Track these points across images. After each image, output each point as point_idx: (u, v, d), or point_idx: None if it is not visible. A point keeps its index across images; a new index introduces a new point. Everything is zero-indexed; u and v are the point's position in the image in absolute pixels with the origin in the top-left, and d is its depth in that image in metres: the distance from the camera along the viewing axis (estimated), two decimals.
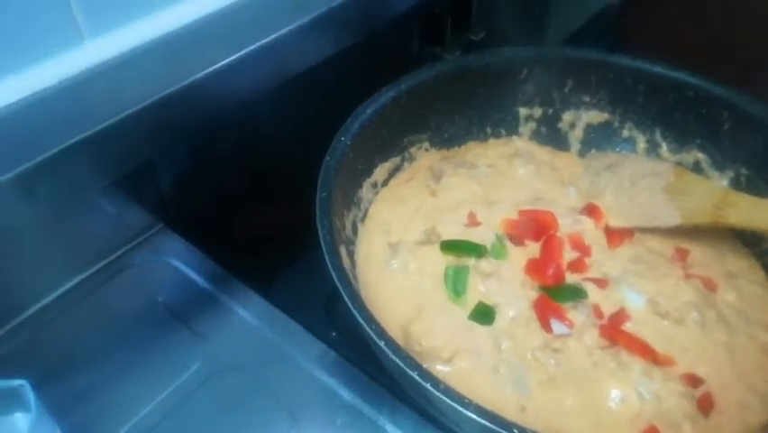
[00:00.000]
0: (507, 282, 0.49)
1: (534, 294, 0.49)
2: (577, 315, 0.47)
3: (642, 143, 0.61)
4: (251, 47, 0.58)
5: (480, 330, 0.46)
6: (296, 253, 0.62)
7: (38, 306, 0.51)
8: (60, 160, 0.48)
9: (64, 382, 0.42)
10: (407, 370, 0.35)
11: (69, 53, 0.51)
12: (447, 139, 0.62)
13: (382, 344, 0.37)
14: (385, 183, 0.58)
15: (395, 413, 0.45)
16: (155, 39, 0.56)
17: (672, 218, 0.53)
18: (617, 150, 0.62)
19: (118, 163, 0.52)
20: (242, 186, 0.63)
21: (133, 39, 0.54)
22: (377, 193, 0.57)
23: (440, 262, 0.51)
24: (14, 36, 0.48)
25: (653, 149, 0.61)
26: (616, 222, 0.55)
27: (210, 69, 0.56)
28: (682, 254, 0.53)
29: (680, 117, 0.59)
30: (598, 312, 0.48)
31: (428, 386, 0.35)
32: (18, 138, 0.48)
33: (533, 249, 0.52)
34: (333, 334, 0.54)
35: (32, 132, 0.48)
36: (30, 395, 0.38)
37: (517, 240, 0.53)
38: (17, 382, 0.39)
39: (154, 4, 0.55)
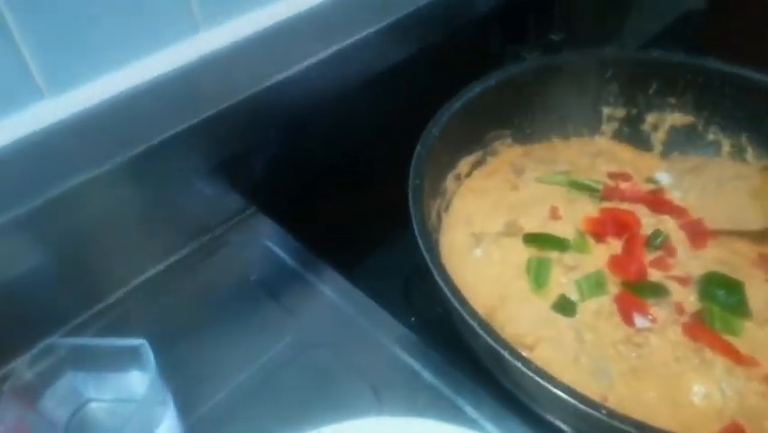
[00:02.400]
0: None
1: (616, 290, 0.50)
2: (659, 311, 0.48)
3: (727, 147, 0.61)
4: (342, 44, 0.62)
5: (562, 321, 0.48)
6: (376, 240, 0.65)
7: (144, 277, 0.56)
8: (169, 145, 0.52)
9: (167, 347, 0.44)
10: (500, 349, 0.37)
11: (185, 42, 0.55)
12: (529, 135, 0.64)
13: (475, 324, 0.39)
14: (468, 175, 0.60)
15: (474, 397, 0.47)
16: (257, 32, 0.60)
17: (757, 222, 0.53)
18: (701, 153, 0.62)
19: (220, 150, 0.56)
20: (328, 175, 0.66)
21: (241, 31, 0.58)
22: (460, 185, 0.59)
23: (522, 253, 0.52)
24: (136, 25, 0.52)
25: (738, 153, 0.61)
26: None
27: (303, 64, 0.59)
28: (766, 260, 0.53)
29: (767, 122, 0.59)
30: (680, 309, 0.48)
31: (520, 366, 0.36)
32: (133, 122, 0.52)
33: (614, 246, 0.53)
34: (412, 319, 0.56)
35: (146, 117, 0.53)
36: (149, 355, 0.42)
37: (598, 237, 0.54)
38: (138, 342, 0.43)
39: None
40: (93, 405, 0.45)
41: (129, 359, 0.44)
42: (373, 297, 0.54)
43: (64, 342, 0.43)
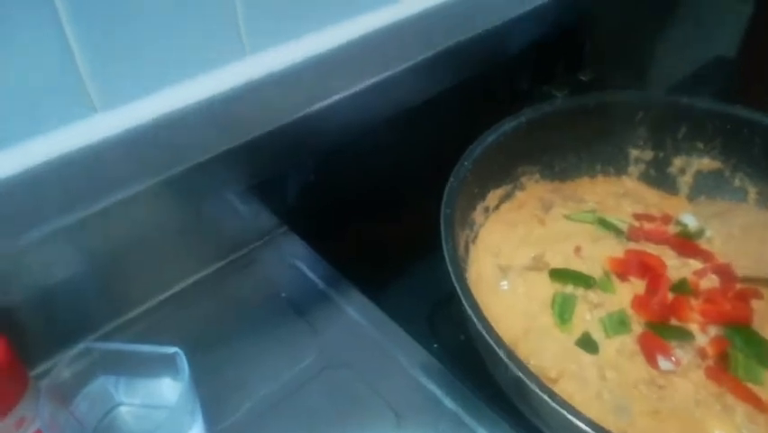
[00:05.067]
0: None
1: (639, 329, 0.50)
2: (683, 354, 0.48)
3: (753, 195, 0.62)
4: (379, 77, 0.64)
5: (586, 357, 0.48)
6: (403, 266, 0.66)
7: (177, 288, 0.58)
8: (210, 164, 0.54)
9: (195, 357, 0.45)
10: (526, 380, 0.38)
11: (231, 66, 0.57)
12: (557, 172, 0.65)
13: (501, 353, 0.40)
14: (496, 208, 0.61)
15: (495, 426, 0.47)
16: (300, 61, 0.62)
17: None
18: (728, 198, 0.63)
19: (257, 171, 0.59)
20: (360, 201, 0.67)
21: (285, 58, 0.60)
22: (488, 217, 0.60)
23: (548, 287, 0.53)
24: (186, 47, 0.54)
25: (764, 201, 0.61)
26: None
27: (342, 95, 0.62)
28: None
29: None
30: (703, 353, 0.49)
31: (546, 398, 0.37)
32: (177, 141, 0.54)
33: (638, 286, 0.54)
34: (435, 346, 0.57)
35: (190, 136, 0.55)
36: (184, 363, 0.43)
37: (622, 277, 0.55)
38: (172, 349, 0.44)
39: (307, 27, 0.61)
40: (123, 409, 0.47)
41: (161, 366, 0.45)
42: (398, 321, 0.55)
43: (101, 346, 0.45)
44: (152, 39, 0.53)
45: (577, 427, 0.36)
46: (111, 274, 0.53)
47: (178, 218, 0.55)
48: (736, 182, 0.63)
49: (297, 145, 0.60)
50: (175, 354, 0.44)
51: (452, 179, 0.53)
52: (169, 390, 0.46)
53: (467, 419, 0.48)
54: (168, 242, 0.55)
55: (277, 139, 0.58)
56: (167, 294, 0.57)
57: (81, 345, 0.44)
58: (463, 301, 0.43)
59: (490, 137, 0.58)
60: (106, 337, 0.53)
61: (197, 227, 0.57)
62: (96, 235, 0.50)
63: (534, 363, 0.47)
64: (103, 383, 0.46)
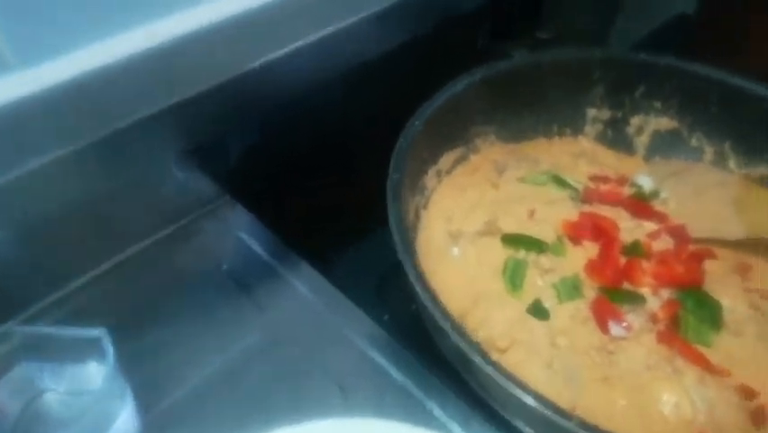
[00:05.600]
0: None
1: (592, 294, 0.49)
2: (634, 318, 0.47)
3: (709, 154, 0.61)
4: (326, 31, 0.60)
5: (537, 324, 0.47)
6: (353, 234, 0.64)
7: (110, 263, 0.54)
8: (143, 126, 0.50)
9: (131, 338, 0.43)
10: (470, 354, 0.36)
11: (164, 20, 0.52)
12: (513, 133, 0.62)
13: (446, 326, 0.38)
14: (449, 172, 0.59)
15: (444, 399, 0.45)
16: (240, 13, 0.57)
17: (737, 231, 0.53)
18: (683, 158, 0.61)
19: (195, 134, 0.55)
20: (307, 166, 0.64)
21: (223, 11, 0.55)
22: (440, 181, 0.58)
23: (500, 253, 0.51)
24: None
25: (720, 160, 0.60)
26: None
27: (285, 50, 0.57)
28: (744, 268, 0.52)
29: (752, 131, 0.58)
30: (654, 317, 0.48)
31: (490, 370, 0.35)
32: (105, 101, 0.50)
33: (591, 250, 0.52)
34: (385, 317, 0.55)
35: (119, 96, 0.50)
36: (108, 346, 0.40)
37: (576, 240, 0.53)
38: (96, 332, 0.41)
39: None
40: (48, 396, 0.44)
41: (88, 349, 0.42)
42: (347, 293, 0.53)
43: (20, 330, 0.42)
44: None
45: (522, 401, 0.35)
46: (34, 250, 0.49)
47: (109, 186, 0.51)
48: (693, 142, 0.61)
49: (238, 106, 0.56)
50: (99, 336, 0.41)
51: (401, 140, 0.50)
52: (97, 374, 0.43)
53: (416, 392, 0.46)
54: (98, 213, 0.51)
55: (214, 98, 0.53)
56: (98, 270, 0.53)
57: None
58: (408, 272, 0.41)
59: (442, 97, 0.55)
60: (31, 320, 0.50)
61: (131, 196, 0.53)
62: (16, 205, 0.46)
63: (483, 332, 0.46)
64: (25, 370, 0.43)
